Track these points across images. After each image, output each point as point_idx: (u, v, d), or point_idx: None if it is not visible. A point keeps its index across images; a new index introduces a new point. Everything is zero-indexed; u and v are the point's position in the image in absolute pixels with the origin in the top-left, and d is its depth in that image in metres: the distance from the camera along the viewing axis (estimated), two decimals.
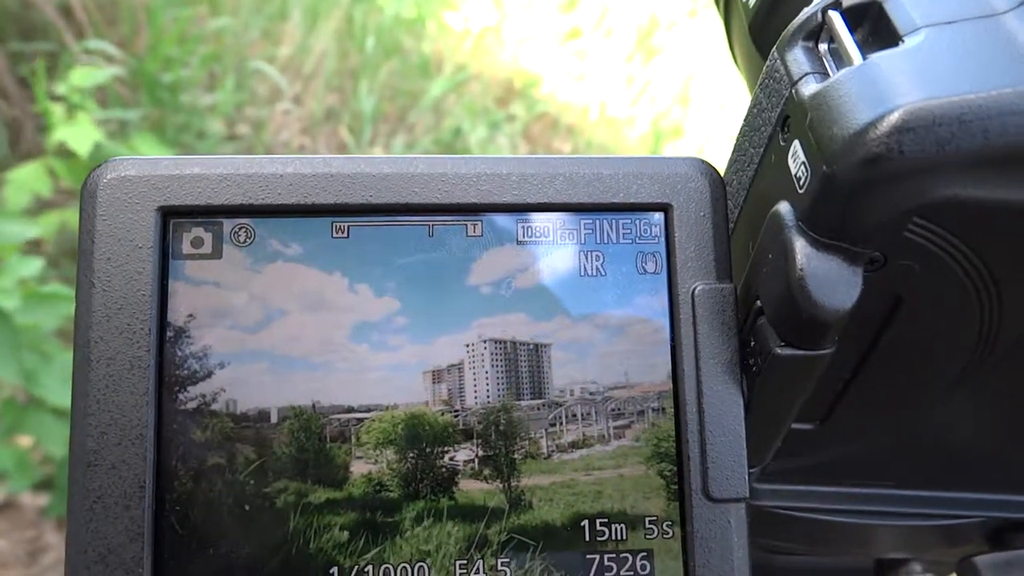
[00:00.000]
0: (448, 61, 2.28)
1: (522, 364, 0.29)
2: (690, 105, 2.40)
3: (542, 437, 0.29)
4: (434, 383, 0.29)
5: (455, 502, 0.28)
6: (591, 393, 0.29)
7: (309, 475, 0.28)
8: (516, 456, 0.29)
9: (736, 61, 0.44)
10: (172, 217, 0.28)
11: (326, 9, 2.12)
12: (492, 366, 0.29)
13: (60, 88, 1.22)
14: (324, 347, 0.28)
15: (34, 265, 1.04)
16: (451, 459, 0.29)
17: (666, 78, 2.45)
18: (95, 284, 0.27)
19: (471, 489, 0.29)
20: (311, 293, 0.29)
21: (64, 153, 1.29)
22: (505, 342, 0.29)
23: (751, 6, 0.37)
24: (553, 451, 0.29)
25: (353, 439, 0.28)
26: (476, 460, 0.29)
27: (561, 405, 0.29)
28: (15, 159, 1.44)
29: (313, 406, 0.28)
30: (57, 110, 1.16)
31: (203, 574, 0.27)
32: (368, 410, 0.28)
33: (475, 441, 0.29)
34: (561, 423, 0.29)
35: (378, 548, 0.28)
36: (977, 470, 0.38)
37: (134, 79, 1.68)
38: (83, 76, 1.22)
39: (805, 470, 0.37)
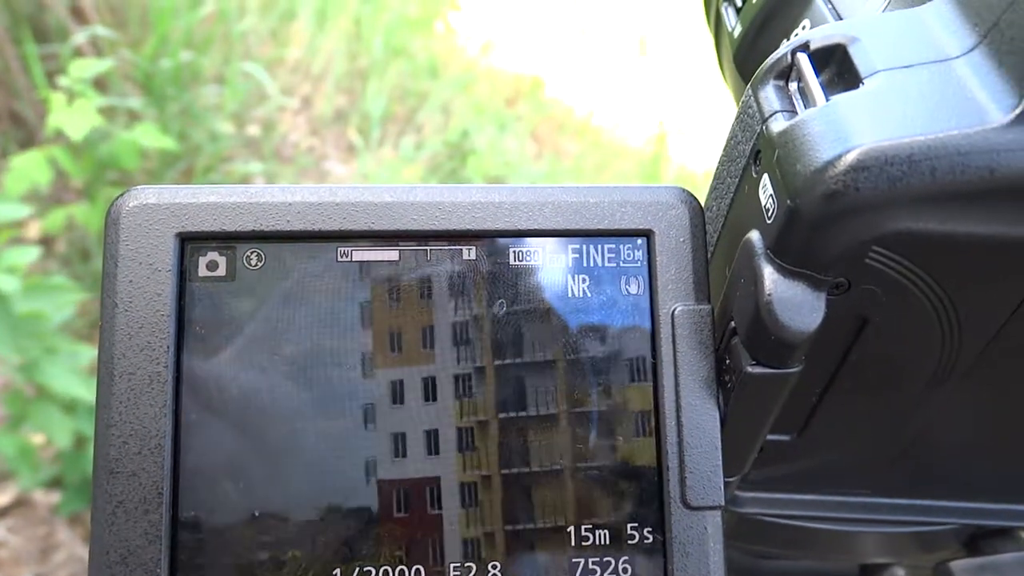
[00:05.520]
0: (455, 62, 2.30)
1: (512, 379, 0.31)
2: (694, 103, 2.41)
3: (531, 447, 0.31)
4: None
5: None
6: (577, 405, 0.31)
7: None
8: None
9: (727, 83, 0.46)
10: (189, 242, 0.30)
11: (334, 11, 2.14)
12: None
13: (63, 81, 1.22)
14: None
15: (29, 253, 1.03)
16: None
17: (672, 77, 2.46)
18: (118, 304, 0.30)
19: None
20: (319, 315, 0.31)
21: (72, 149, 1.30)
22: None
23: (735, 37, 0.39)
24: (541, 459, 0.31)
25: None
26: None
27: (549, 417, 0.31)
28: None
29: None
30: (58, 98, 1.15)
31: None
32: None
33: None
34: (548, 433, 0.31)
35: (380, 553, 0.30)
36: (951, 479, 0.40)
37: (142, 79, 1.70)
38: (82, 67, 1.22)
39: (786, 478, 0.39)
